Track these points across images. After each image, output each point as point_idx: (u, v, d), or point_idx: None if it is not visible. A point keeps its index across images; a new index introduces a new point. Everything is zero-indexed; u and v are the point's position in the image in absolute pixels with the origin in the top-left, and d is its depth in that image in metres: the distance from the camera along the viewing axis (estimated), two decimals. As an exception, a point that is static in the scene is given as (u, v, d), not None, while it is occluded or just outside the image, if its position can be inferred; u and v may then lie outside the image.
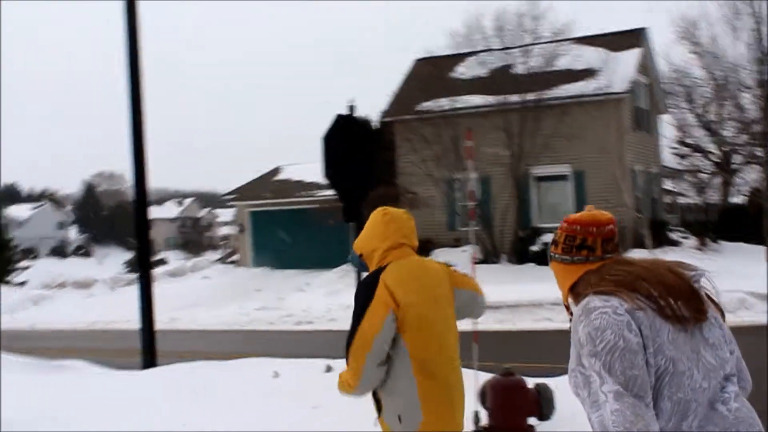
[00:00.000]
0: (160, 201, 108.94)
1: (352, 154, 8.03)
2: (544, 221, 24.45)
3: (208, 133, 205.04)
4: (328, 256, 25.42)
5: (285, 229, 30.09)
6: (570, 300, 2.45)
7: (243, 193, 32.97)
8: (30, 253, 68.91)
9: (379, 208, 3.87)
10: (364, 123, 8.65)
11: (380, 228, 3.76)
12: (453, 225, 25.30)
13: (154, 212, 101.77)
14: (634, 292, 2.21)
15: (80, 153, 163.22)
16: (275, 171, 34.73)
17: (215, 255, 50.30)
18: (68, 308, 24.46)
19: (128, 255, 79.93)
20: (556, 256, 2.48)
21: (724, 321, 2.34)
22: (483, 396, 5.17)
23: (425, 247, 25.27)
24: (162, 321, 19.04)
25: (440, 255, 24.26)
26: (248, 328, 17.50)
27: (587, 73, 25.07)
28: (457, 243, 24.23)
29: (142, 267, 9.46)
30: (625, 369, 2.10)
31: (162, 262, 59.36)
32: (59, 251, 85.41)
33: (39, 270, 46.10)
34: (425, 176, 24.69)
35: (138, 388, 7.73)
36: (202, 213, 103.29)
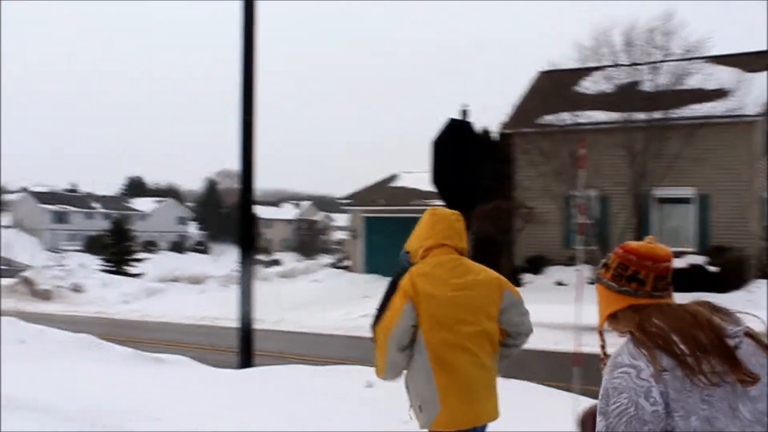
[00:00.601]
0: (278, 203, 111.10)
1: (462, 162, 7.69)
2: (664, 244, 23.37)
3: (330, 136, 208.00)
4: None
5: (398, 237, 29.86)
6: (605, 325, 2.39)
7: (358, 198, 32.98)
8: (150, 245, 71.22)
9: (429, 208, 4.05)
10: (476, 129, 8.25)
11: (427, 227, 3.93)
12: (568, 242, 24.51)
13: (272, 213, 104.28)
14: (666, 350, 2.13)
15: (204, 151, 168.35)
16: (392, 178, 34.62)
17: (328, 259, 50.64)
18: (180, 302, 24.90)
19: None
20: (604, 280, 2.41)
21: None
22: (583, 424, 4.72)
23: (537, 264, 24.66)
24: (269, 321, 19.28)
25: (554, 273, 23.59)
26: (351, 334, 17.33)
27: (718, 94, 23.89)
28: (570, 261, 23.46)
29: (244, 266, 9.35)
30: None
31: (276, 262, 60.32)
32: (178, 246, 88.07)
33: (157, 263, 47.48)
34: (543, 191, 24.03)
35: (229, 387, 7.59)
36: (319, 216, 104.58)
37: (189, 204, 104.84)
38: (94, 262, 41.59)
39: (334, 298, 24.40)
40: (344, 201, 34.11)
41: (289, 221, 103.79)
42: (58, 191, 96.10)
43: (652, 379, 2.10)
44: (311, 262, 42.48)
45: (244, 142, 9.42)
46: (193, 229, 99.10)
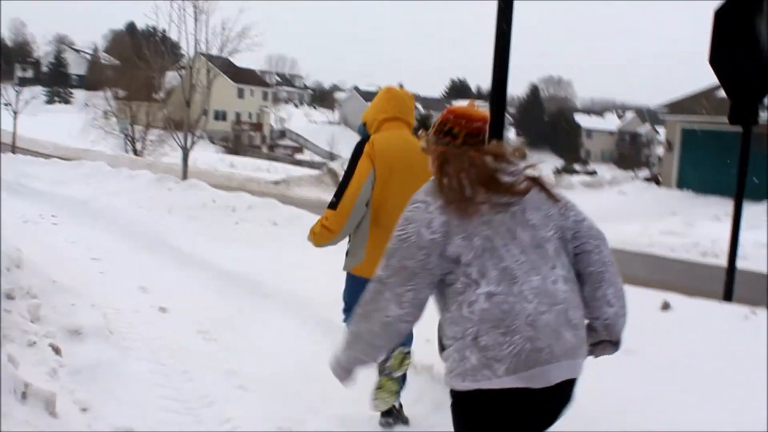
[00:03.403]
0: (602, 112, 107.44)
1: (756, 37, 6.06)
2: None
3: (663, 43, 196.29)
4: (760, 186, 22.25)
5: (717, 151, 27.07)
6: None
7: (676, 107, 30.27)
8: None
9: (385, 86, 4.61)
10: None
11: (383, 102, 4.49)
12: None
13: (594, 123, 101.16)
14: (451, 186, 2.62)
15: (532, 57, 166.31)
16: (716, 87, 31.39)
17: (645, 173, 47.93)
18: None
19: (560, 162, 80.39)
20: (429, 135, 2.89)
21: (555, 201, 2.74)
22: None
23: None
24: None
25: None
26: (644, 251, 15.81)
27: None
28: None
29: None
30: (403, 258, 2.60)
31: (592, 173, 58.40)
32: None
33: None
34: None
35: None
36: (643, 129, 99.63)
37: (510, 110, 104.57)
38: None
39: (635, 212, 22.73)
40: (661, 110, 31.55)
41: (611, 132, 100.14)
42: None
43: (437, 211, 2.59)
44: (621, 173, 40.19)
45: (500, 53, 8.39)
46: (511, 135, 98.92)
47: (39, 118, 67.15)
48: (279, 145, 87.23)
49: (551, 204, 2.73)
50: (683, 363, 4.77)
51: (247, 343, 6.05)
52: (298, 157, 79.09)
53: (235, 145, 77.10)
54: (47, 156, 24.76)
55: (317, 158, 76.05)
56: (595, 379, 4.77)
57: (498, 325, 2.49)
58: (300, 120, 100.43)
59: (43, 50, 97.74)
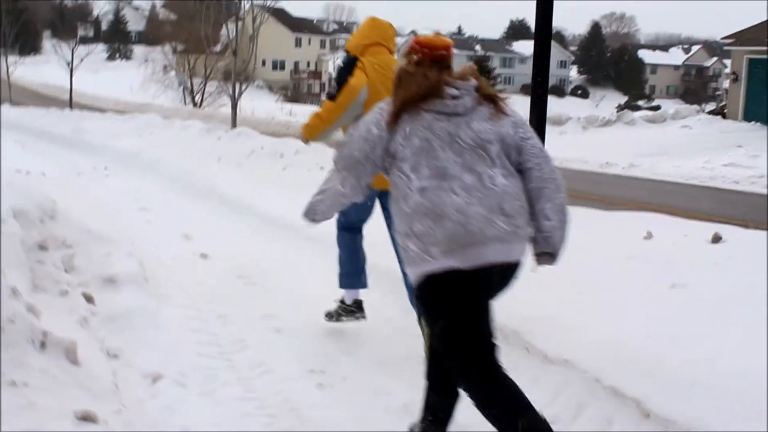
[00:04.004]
0: (667, 47, 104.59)
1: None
2: None
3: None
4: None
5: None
6: None
7: (742, 38, 29.12)
8: (528, 88, 70.68)
9: (369, 17, 4.89)
10: None
11: (367, 30, 4.79)
12: None
13: (658, 58, 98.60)
14: (405, 96, 3.10)
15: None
16: (786, 13, 30.08)
17: (711, 107, 46.50)
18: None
19: (623, 99, 78.57)
20: (402, 65, 3.27)
21: (505, 116, 3.11)
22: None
23: None
24: (619, 166, 17.83)
25: None
26: (705, 184, 15.32)
27: None
28: None
29: (536, 99, 8.13)
30: (352, 149, 3.18)
31: (656, 108, 56.92)
32: (557, 90, 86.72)
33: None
34: None
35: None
36: (710, 62, 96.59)
37: (572, 48, 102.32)
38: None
39: (698, 145, 22.02)
40: (725, 41, 30.42)
41: (676, 67, 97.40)
42: (444, 34, 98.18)
43: (387, 115, 3.12)
44: (686, 107, 39.00)
45: None
46: (573, 73, 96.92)
47: (100, 75, 68.07)
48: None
49: (501, 119, 3.10)
50: (733, 297, 4.52)
51: (287, 288, 5.97)
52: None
53: (293, 93, 77.07)
54: (103, 110, 24.98)
55: (375, 105, 75.55)
56: (642, 314, 4.60)
57: (429, 215, 2.89)
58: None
59: (102, 8, 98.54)
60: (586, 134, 27.76)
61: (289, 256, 6.93)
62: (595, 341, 4.23)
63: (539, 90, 7.92)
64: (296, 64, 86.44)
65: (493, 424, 2.95)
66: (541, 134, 8.17)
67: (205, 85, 49.73)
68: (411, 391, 4.11)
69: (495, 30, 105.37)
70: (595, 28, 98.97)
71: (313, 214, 3.46)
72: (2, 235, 4.43)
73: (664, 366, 3.89)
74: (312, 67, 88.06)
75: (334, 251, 6.86)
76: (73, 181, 10.13)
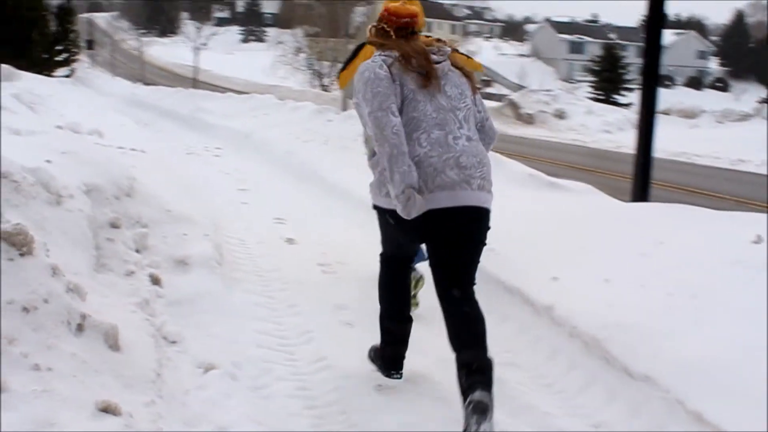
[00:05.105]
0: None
1: None
2: None
3: None
4: None
5: None
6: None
7: None
8: (665, 80, 68.13)
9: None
10: None
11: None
12: None
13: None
14: (395, 56, 3.51)
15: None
16: None
17: None
18: (662, 136, 23.00)
19: (765, 92, 74.75)
20: (371, 29, 3.75)
21: (473, 89, 3.63)
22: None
23: None
24: (753, 163, 16.75)
25: None
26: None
27: None
28: None
29: (646, 89, 7.60)
30: (373, 87, 3.42)
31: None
32: (695, 82, 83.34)
33: (665, 97, 44.93)
34: None
35: (601, 220, 6.19)
36: None
37: (712, 38, 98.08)
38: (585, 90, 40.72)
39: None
40: None
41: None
42: (578, 21, 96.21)
43: (384, 65, 3.48)
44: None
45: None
46: (713, 65, 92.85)
47: (235, 57, 69.77)
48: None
49: (468, 90, 3.60)
50: None
51: (366, 279, 5.69)
52: (488, 90, 77.86)
53: (421, 79, 76.80)
54: (223, 90, 25.40)
55: (505, 91, 74.62)
56: (742, 329, 4.07)
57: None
58: (489, 53, 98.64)
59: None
60: (721, 129, 26.34)
61: (377, 247, 6.67)
62: (683, 356, 3.77)
63: (649, 82, 7.44)
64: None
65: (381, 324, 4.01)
66: (650, 127, 7.66)
67: (333, 68, 50.16)
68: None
69: (634, 18, 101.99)
70: (739, 17, 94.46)
71: (404, 177, 3.33)
72: (65, 211, 4.35)
73: (764, 394, 3.40)
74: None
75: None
76: (177, 160, 10.16)
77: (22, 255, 3.25)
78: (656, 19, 7.63)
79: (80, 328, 3.33)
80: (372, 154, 3.56)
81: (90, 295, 3.75)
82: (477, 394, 3.17)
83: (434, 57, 3.53)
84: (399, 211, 3.32)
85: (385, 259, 4.01)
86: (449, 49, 3.62)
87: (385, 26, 3.64)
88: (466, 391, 3.24)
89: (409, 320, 3.94)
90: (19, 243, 3.25)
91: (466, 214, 3.42)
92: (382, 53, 3.55)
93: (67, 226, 4.25)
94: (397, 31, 3.60)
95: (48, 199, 4.29)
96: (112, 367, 3.31)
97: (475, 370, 3.27)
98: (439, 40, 3.68)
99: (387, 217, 3.59)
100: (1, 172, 3.91)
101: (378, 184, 3.55)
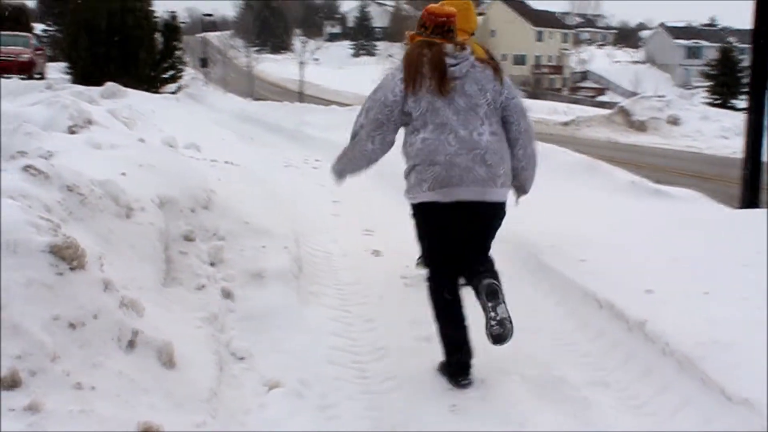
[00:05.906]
0: None
1: None
2: None
3: None
4: None
5: None
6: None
7: None
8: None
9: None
10: None
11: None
12: None
13: None
14: (411, 69, 3.86)
15: None
16: None
17: None
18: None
19: None
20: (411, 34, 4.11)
21: (498, 76, 3.93)
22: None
23: None
24: None
25: None
26: None
27: None
28: None
29: (755, 91, 7.12)
30: (375, 113, 3.90)
31: None
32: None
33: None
34: None
35: (703, 228, 5.78)
36: None
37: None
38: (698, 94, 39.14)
39: None
40: None
41: None
42: (694, 26, 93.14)
43: (400, 82, 3.86)
44: None
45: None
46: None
47: (345, 71, 70.53)
48: (580, 88, 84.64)
49: (491, 81, 3.89)
50: None
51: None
52: (600, 98, 76.27)
53: (534, 88, 75.90)
54: (327, 103, 25.54)
55: (618, 99, 72.91)
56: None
57: (425, 160, 3.78)
58: (602, 61, 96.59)
59: (348, 5, 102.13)
60: None
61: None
62: (788, 381, 3.39)
63: (757, 84, 6.97)
64: (537, 58, 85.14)
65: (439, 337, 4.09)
66: (759, 130, 7.16)
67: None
68: (555, 421, 3.53)
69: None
70: None
71: (340, 173, 4.39)
72: (135, 224, 4.28)
73: None
74: (554, 62, 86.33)
75: (516, 256, 6.34)
76: (272, 172, 10.15)
77: (72, 269, 3.16)
78: (764, 18, 7.15)
79: (132, 344, 3.22)
80: (409, 168, 3.91)
81: (152, 309, 3.65)
82: (485, 282, 3.75)
83: (449, 61, 3.83)
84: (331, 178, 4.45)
85: (432, 281, 4.16)
86: (469, 51, 3.92)
87: (425, 24, 3.97)
88: (477, 286, 3.81)
89: (466, 327, 4.08)
90: (69, 256, 3.15)
91: (491, 209, 3.88)
92: (398, 72, 3.93)
93: (134, 240, 4.18)
94: (435, 29, 3.94)
95: (117, 212, 4.24)
96: (163, 386, 3.18)
97: (482, 271, 3.84)
98: (463, 45, 3.96)
99: (419, 213, 3.97)
100: (67, 186, 3.86)
101: (408, 188, 3.94)
